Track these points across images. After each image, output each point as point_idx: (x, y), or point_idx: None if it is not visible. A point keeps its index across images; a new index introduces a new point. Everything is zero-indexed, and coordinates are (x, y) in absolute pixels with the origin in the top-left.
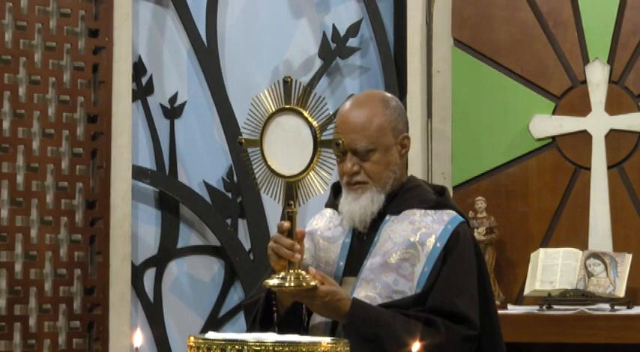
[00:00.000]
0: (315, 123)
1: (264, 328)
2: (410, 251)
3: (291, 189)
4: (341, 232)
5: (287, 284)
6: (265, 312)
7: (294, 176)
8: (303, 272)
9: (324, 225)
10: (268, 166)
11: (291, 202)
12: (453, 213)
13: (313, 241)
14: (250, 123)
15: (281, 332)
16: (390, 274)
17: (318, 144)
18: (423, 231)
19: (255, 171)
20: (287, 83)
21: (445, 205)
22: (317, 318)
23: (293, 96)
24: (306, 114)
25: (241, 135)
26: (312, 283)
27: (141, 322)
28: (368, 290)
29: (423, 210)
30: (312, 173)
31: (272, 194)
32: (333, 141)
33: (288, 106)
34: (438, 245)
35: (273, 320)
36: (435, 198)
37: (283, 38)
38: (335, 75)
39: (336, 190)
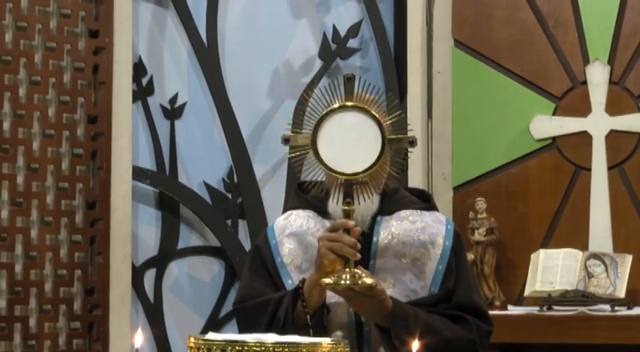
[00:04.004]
0: (383, 121)
1: (297, 330)
2: (421, 250)
3: (350, 187)
4: None
5: (343, 283)
6: (291, 314)
7: (357, 174)
8: (358, 271)
9: (313, 226)
10: (323, 163)
11: (349, 200)
12: (443, 214)
13: (302, 242)
14: (297, 120)
15: (303, 333)
16: (406, 273)
17: (386, 142)
18: (429, 230)
19: (306, 168)
20: (350, 80)
21: (434, 207)
22: (338, 319)
23: (356, 94)
24: (374, 111)
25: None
26: (369, 281)
27: (141, 323)
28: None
29: (418, 211)
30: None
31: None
32: (406, 138)
33: (350, 103)
34: (447, 244)
35: (299, 322)
36: (421, 200)
37: (283, 39)
38: (335, 75)
39: (303, 190)
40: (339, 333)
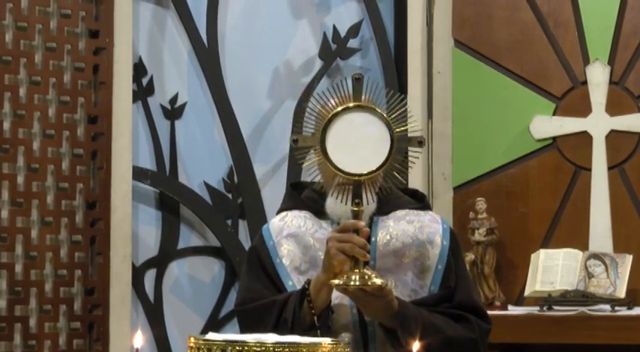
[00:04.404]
0: (391, 121)
1: (303, 331)
2: (420, 249)
3: (359, 187)
4: (328, 234)
5: (353, 283)
6: (298, 315)
7: (367, 174)
8: (367, 271)
9: (311, 227)
10: (332, 164)
11: (358, 201)
12: (437, 214)
13: (301, 243)
14: (307, 121)
15: (310, 335)
16: (407, 273)
17: (395, 142)
18: (427, 230)
19: (311, 168)
20: (358, 80)
21: (428, 206)
22: (341, 320)
23: (364, 94)
24: (381, 111)
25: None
26: (378, 281)
27: (141, 323)
28: None
29: (414, 211)
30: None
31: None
32: (414, 138)
33: (358, 103)
34: (445, 243)
35: (304, 323)
36: (415, 200)
37: (284, 39)
38: (335, 76)
39: (295, 191)
40: (344, 335)
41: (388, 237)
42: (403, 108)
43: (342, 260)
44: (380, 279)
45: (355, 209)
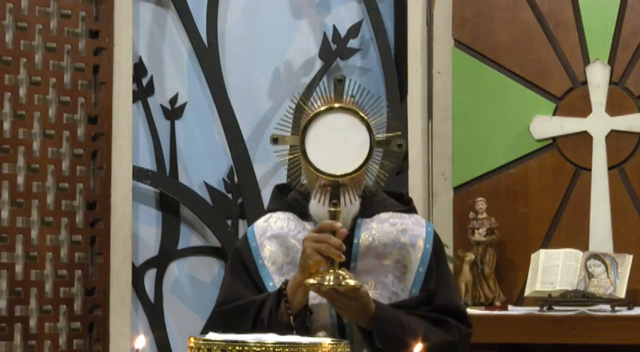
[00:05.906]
0: (371, 123)
1: (280, 331)
2: (402, 252)
3: (337, 188)
4: None
5: (327, 283)
6: (274, 315)
7: (344, 175)
8: (342, 272)
9: (293, 228)
10: (311, 164)
11: (336, 202)
12: (422, 217)
13: (283, 244)
14: (288, 121)
15: (286, 335)
16: (388, 275)
17: (374, 144)
18: (410, 232)
19: (290, 168)
20: (340, 82)
21: (414, 210)
22: (320, 320)
23: (346, 95)
24: (362, 113)
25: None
26: (352, 283)
27: (141, 323)
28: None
29: (398, 214)
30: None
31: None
32: (394, 141)
33: (339, 105)
34: (427, 246)
35: (282, 323)
36: (401, 203)
37: (284, 39)
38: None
39: (281, 193)
40: (322, 335)
41: (371, 238)
42: (384, 111)
43: (317, 260)
44: (354, 281)
45: (332, 209)
